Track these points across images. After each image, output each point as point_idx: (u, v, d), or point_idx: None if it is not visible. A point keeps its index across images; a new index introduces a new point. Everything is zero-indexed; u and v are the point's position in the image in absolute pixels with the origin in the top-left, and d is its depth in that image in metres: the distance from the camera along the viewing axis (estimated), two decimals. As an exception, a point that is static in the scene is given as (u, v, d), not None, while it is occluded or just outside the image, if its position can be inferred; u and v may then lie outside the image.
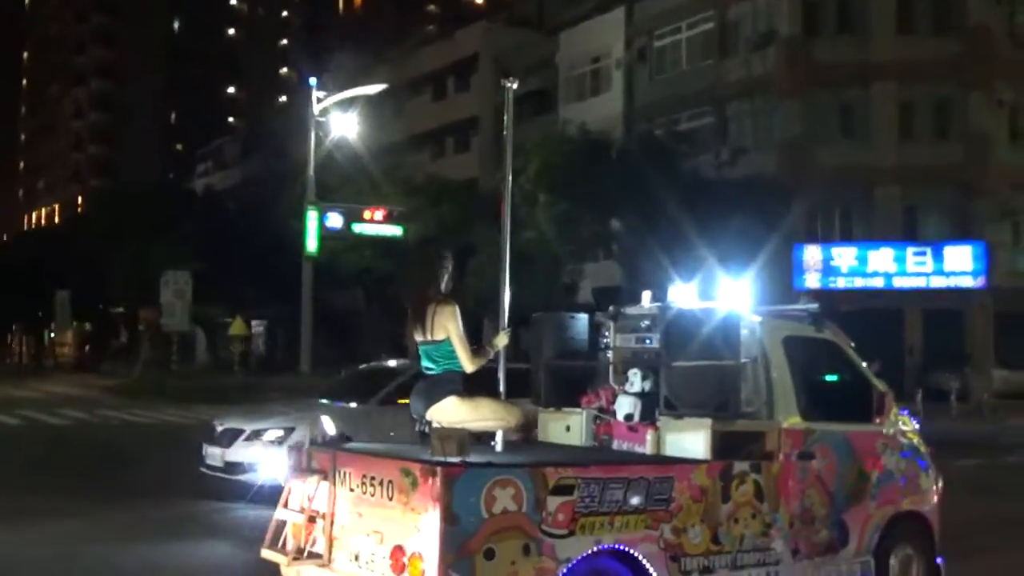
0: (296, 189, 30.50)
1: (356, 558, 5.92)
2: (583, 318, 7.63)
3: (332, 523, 6.12)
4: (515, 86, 7.03)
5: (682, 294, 7.16)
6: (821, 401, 7.11)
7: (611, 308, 7.33)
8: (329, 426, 6.21)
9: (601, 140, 32.07)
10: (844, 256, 33.07)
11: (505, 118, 6.95)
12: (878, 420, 7.44)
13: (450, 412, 6.21)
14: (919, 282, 32.22)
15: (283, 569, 6.40)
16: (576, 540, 5.69)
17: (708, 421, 6.42)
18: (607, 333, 7.42)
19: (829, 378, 7.48)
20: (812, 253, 33.16)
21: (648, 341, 7.05)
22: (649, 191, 28.92)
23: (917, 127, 34.13)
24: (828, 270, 32.83)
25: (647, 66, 40.19)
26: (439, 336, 6.22)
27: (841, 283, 32.62)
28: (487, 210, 31.73)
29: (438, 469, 5.38)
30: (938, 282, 32.05)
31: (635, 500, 5.94)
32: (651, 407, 6.83)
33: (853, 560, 7.18)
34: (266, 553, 6.41)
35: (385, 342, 47.28)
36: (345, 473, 6.10)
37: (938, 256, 32.25)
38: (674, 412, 6.62)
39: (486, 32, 51.16)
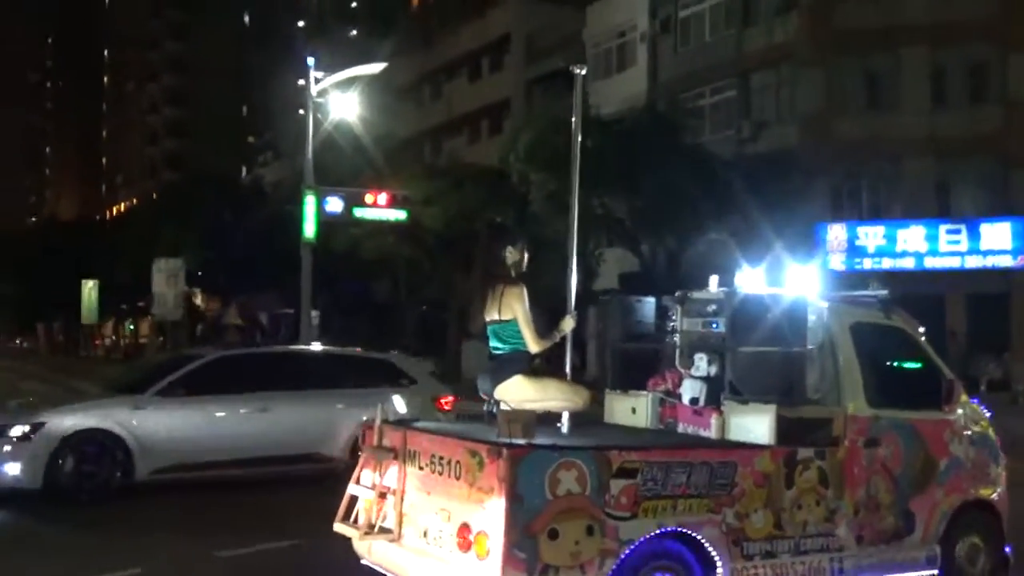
0: (300, 175, 30.64)
1: (425, 534, 6.25)
2: (650, 301, 7.89)
3: (402, 500, 6.47)
4: (583, 72, 7.31)
5: (749, 279, 7.39)
6: (888, 388, 7.31)
7: (679, 292, 7.58)
8: (400, 405, 6.61)
9: (600, 115, 31.08)
10: (871, 235, 31.27)
11: (574, 109, 7.34)
12: (947, 408, 7.64)
13: (517, 391, 6.50)
14: (953, 262, 30.23)
15: (355, 543, 6.84)
16: (639, 522, 5.96)
17: (773, 406, 6.62)
18: (674, 316, 7.65)
19: (897, 365, 7.65)
20: (836, 232, 31.42)
21: (715, 325, 7.25)
22: (656, 170, 28.06)
23: (950, 94, 32.07)
24: (853, 250, 31.11)
25: (671, 38, 39.00)
26: (507, 316, 6.54)
27: (868, 264, 30.79)
28: (510, 194, 31.63)
29: (504, 450, 5.64)
30: (974, 262, 30.08)
31: (698, 484, 6.21)
32: (716, 391, 7.08)
33: (919, 548, 7.40)
34: (339, 527, 6.83)
35: (417, 329, 47.54)
36: (415, 452, 6.44)
37: (974, 233, 30.16)
38: (739, 397, 6.84)
39: (516, 9, 50.18)
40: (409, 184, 32.76)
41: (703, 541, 6.22)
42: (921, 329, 7.72)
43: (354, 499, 6.86)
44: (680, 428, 7.33)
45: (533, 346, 6.54)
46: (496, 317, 6.59)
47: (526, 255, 6.83)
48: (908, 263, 30.59)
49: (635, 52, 40.91)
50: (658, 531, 6.05)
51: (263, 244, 41.99)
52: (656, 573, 6.10)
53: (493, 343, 6.69)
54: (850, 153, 31.88)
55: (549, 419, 6.86)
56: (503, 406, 6.52)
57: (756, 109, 35.51)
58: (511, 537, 5.57)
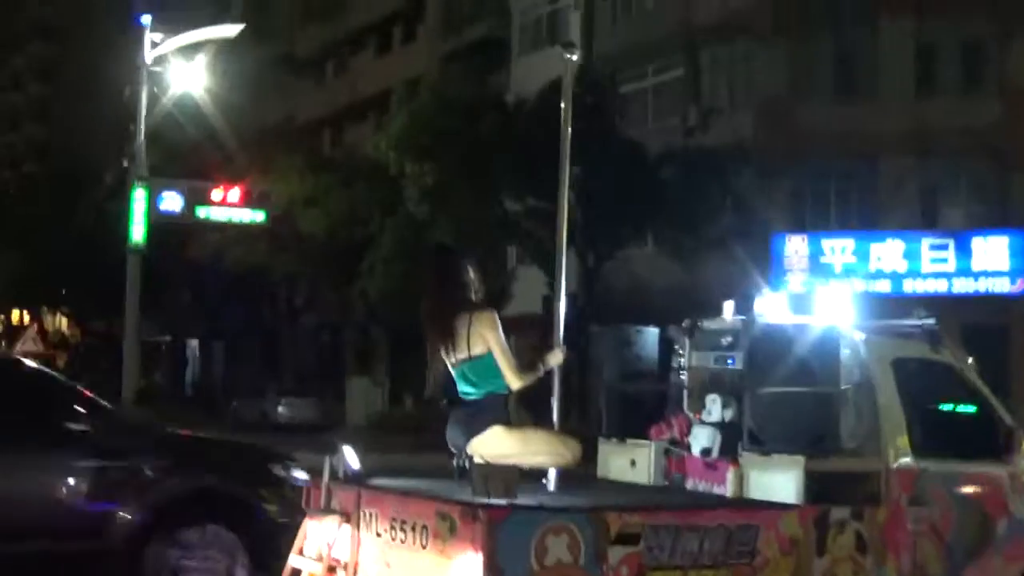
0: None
1: (383, 615, 5.80)
2: (652, 332, 7.50)
3: (356, 574, 6.03)
4: (575, 58, 6.96)
5: (771, 305, 6.99)
6: (937, 436, 6.90)
7: (686, 321, 7.19)
8: (352, 458, 6.02)
9: (505, 96, 28.38)
10: (839, 249, 27.90)
11: (563, 95, 6.84)
12: (1007, 459, 7.19)
13: (495, 445, 5.99)
14: (939, 285, 26.75)
15: (298, 626, 6.35)
16: None
17: (801, 459, 6.26)
18: (681, 351, 7.29)
19: (947, 408, 7.28)
20: (796, 245, 27.91)
21: (730, 361, 6.95)
22: (572, 166, 26.53)
23: (939, 78, 29.12)
24: (817, 268, 27.66)
25: (609, 5, 35.59)
26: (477, 350, 5.99)
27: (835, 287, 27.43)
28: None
29: (481, 512, 5.27)
30: (963, 285, 26.71)
31: (713, 552, 5.78)
32: (733, 440, 6.70)
33: (974, 626, 6.98)
34: None
35: (314, 360, 44.44)
36: (371, 515, 6.00)
37: (964, 249, 26.71)
38: (760, 447, 6.49)
39: (433, -33, 46.21)
40: (286, 180, 30.26)
41: None
42: (971, 362, 7.32)
43: (297, 573, 6.35)
44: (689, 484, 6.96)
45: (514, 381, 6.01)
46: (465, 355, 6.02)
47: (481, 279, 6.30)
48: (884, 286, 27.31)
49: (567, 22, 37.68)
50: None
51: (100, 253, 37.32)
52: None
53: (463, 388, 6.14)
54: (816, 148, 28.92)
55: (532, 475, 6.44)
56: (477, 460, 6.00)
57: (706, 92, 32.33)
58: None
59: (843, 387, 6.51)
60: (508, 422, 6.06)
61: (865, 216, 29.25)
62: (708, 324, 7.13)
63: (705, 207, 26.24)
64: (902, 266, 27.30)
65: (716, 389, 6.94)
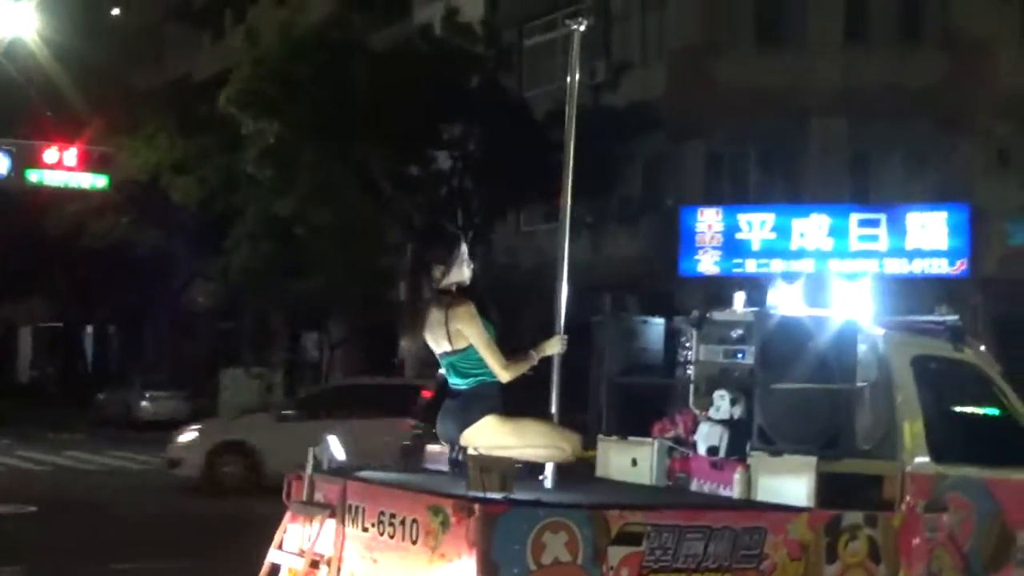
0: None
1: (369, 615, 5.76)
2: (657, 323, 7.43)
3: (339, 570, 5.98)
4: (582, 28, 6.82)
5: (784, 297, 6.89)
6: (957, 439, 6.83)
7: (694, 312, 7.12)
8: (337, 448, 5.98)
9: (348, 37, 26.02)
10: (756, 224, 25.40)
11: (569, 70, 6.80)
12: None
13: (489, 436, 6.04)
14: (868, 266, 23.81)
15: (279, 626, 6.30)
16: None
17: (813, 460, 6.20)
18: (688, 344, 7.22)
19: (969, 410, 7.23)
20: (709, 219, 25.45)
21: (740, 355, 6.87)
22: (443, 123, 23.82)
23: (874, 28, 25.93)
24: (732, 247, 25.23)
25: None
26: (460, 344, 6.09)
27: (751, 267, 24.82)
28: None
29: (476, 507, 5.23)
30: (895, 266, 24.30)
31: (718, 555, 5.72)
32: (741, 439, 6.64)
33: (992, 642, 6.91)
34: None
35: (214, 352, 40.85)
36: (357, 509, 5.95)
37: (897, 225, 24.41)
38: (770, 446, 6.42)
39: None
40: (153, 143, 28.38)
41: None
42: (998, 367, 7.23)
43: (276, 569, 6.28)
44: (694, 485, 6.90)
45: (503, 374, 6.07)
46: (448, 348, 6.13)
47: (463, 262, 6.26)
48: (806, 266, 24.71)
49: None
50: None
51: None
52: None
53: (452, 379, 6.23)
54: (734, 107, 26.26)
55: (528, 471, 6.45)
56: (471, 452, 6.01)
57: (618, 45, 29.57)
58: None
59: (860, 385, 6.46)
60: (501, 411, 6.09)
61: (789, 186, 26.91)
62: (718, 315, 7.06)
63: (607, 175, 24.28)
64: (827, 244, 25.09)
65: (725, 384, 6.88)
